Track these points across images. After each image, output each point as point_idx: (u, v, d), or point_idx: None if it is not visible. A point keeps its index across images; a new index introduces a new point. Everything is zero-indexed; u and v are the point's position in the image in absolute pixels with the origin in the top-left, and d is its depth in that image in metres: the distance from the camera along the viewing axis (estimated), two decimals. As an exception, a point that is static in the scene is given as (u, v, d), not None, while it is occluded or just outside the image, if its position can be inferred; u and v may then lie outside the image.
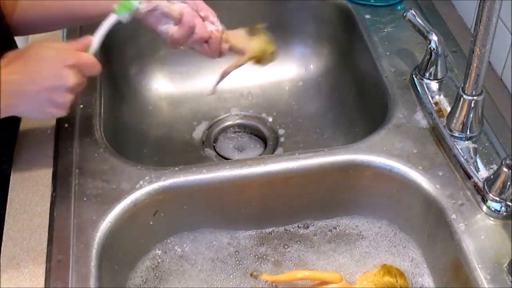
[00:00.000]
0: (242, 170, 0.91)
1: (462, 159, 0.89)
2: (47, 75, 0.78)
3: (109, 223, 0.84)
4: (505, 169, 0.80)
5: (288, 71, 1.30)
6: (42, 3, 0.91)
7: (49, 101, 0.79)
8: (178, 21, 0.90)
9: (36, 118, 0.94)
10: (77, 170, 0.90)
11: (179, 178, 0.89)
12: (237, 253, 0.94)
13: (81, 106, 1.01)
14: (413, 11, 1.03)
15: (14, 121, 0.93)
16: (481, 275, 0.78)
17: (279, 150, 1.16)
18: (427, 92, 1.00)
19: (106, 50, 1.05)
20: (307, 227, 0.97)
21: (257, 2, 1.27)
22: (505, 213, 0.83)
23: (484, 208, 0.84)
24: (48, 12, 0.92)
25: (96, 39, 0.84)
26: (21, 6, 0.91)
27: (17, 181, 0.89)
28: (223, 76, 0.98)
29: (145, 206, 0.88)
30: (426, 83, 1.01)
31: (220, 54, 0.97)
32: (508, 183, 0.81)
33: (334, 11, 1.25)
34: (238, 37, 0.97)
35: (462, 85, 0.88)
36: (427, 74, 1.01)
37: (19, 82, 0.77)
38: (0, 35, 0.88)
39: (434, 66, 1.01)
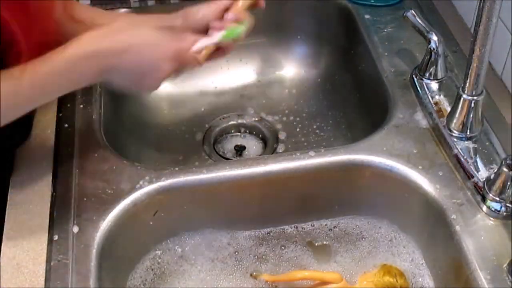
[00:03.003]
0: (242, 170, 0.91)
1: (462, 159, 0.89)
2: (144, 61, 0.81)
3: (109, 223, 0.84)
4: (505, 169, 0.80)
5: (288, 71, 1.30)
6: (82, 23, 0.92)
7: (138, 83, 0.83)
8: None
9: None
10: (77, 170, 0.90)
11: (179, 178, 0.89)
12: (236, 253, 0.94)
13: (81, 106, 1.01)
14: (413, 11, 1.03)
15: (23, 124, 0.93)
16: (481, 275, 0.78)
17: (279, 150, 1.16)
18: (427, 92, 1.00)
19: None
20: (307, 227, 0.97)
21: (257, 2, 1.27)
22: (505, 213, 0.83)
23: (484, 208, 0.84)
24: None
25: (201, 44, 0.85)
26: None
27: (17, 181, 0.89)
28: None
29: (145, 206, 0.88)
30: (426, 83, 1.01)
31: None
32: (508, 183, 0.81)
33: (334, 11, 1.25)
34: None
35: (462, 85, 0.88)
36: (427, 74, 1.01)
37: (118, 62, 0.80)
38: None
39: (434, 66, 1.00)
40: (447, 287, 0.86)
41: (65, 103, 1.01)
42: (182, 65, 0.85)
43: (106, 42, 0.80)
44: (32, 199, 0.86)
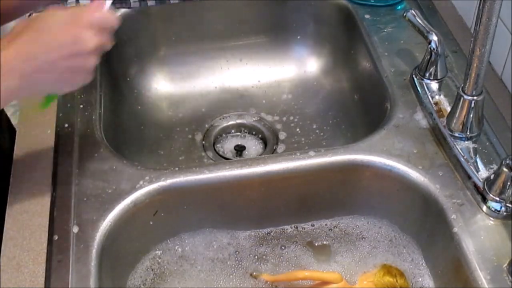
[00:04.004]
0: (242, 170, 0.91)
1: (462, 159, 0.89)
2: (64, 41, 0.71)
3: (109, 223, 0.84)
4: (505, 169, 0.80)
5: (288, 71, 1.30)
6: None
7: (72, 69, 0.73)
8: None
9: (61, 92, 0.83)
10: (77, 170, 0.90)
11: (179, 178, 0.89)
12: (237, 253, 0.94)
13: (81, 106, 1.01)
14: (413, 11, 1.03)
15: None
16: (481, 275, 0.78)
17: (279, 150, 1.16)
18: (427, 92, 1.00)
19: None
20: (307, 227, 0.97)
21: (257, 2, 1.27)
22: (505, 213, 0.83)
23: (484, 208, 0.84)
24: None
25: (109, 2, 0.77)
26: None
27: (17, 181, 0.89)
28: None
29: (145, 206, 0.88)
30: (426, 83, 1.01)
31: None
32: (508, 183, 0.81)
33: (334, 11, 1.25)
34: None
35: (462, 85, 0.88)
36: (427, 74, 1.01)
37: (34, 55, 0.71)
38: None
39: (434, 66, 1.00)
40: (447, 287, 0.86)
41: (65, 103, 1.01)
42: (102, 30, 0.74)
43: (11, 50, 0.70)
44: (32, 199, 0.86)
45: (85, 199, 0.86)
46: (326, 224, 0.97)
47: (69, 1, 1.22)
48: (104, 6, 0.76)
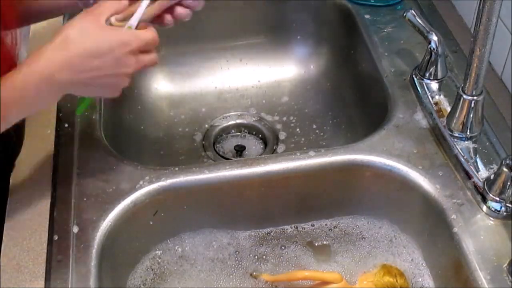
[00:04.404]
0: (242, 170, 0.91)
1: (462, 159, 0.89)
2: (110, 62, 0.75)
3: (109, 223, 0.84)
4: (505, 169, 0.80)
5: (288, 71, 1.30)
6: None
7: (107, 86, 0.78)
8: None
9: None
10: (77, 170, 0.90)
11: (179, 178, 0.89)
12: (237, 253, 0.94)
13: (81, 106, 1.01)
14: (413, 11, 1.03)
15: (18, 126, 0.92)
16: (481, 275, 0.78)
17: (279, 150, 1.16)
18: (427, 92, 1.00)
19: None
20: (307, 227, 0.97)
21: (257, 2, 1.27)
22: (505, 213, 0.83)
23: (484, 208, 0.84)
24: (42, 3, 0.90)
25: (135, 18, 0.79)
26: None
27: (17, 181, 0.89)
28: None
29: (145, 206, 0.88)
30: (426, 83, 1.01)
31: None
32: (508, 183, 0.81)
33: (334, 11, 1.25)
34: None
35: (462, 85, 0.88)
36: (427, 74, 1.01)
37: (79, 68, 0.74)
38: None
39: (434, 66, 1.00)
40: (447, 287, 0.86)
41: (65, 103, 1.01)
42: (147, 51, 0.78)
43: (58, 60, 0.74)
44: (32, 199, 0.86)
45: (85, 199, 0.86)
46: (326, 224, 0.97)
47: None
48: (151, 28, 0.79)
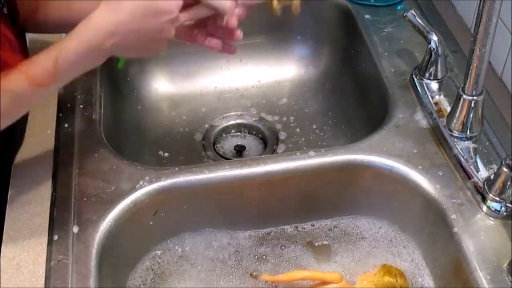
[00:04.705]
0: (242, 170, 0.91)
1: (462, 159, 0.89)
2: (154, 28, 0.79)
3: (109, 223, 0.84)
4: (505, 169, 0.80)
5: (288, 71, 1.30)
6: (61, 4, 0.93)
7: (148, 49, 0.83)
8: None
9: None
10: (77, 170, 0.90)
11: (179, 178, 0.89)
12: (237, 253, 0.94)
13: (81, 106, 1.01)
14: (413, 11, 1.03)
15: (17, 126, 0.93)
16: (481, 275, 0.77)
17: (279, 150, 1.16)
18: (427, 92, 1.00)
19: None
20: (307, 227, 0.97)
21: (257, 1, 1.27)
22: (505, 213, 0.83)
23: (484, 208, 0.84)
24: (67, 14, 0.93)
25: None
26: (43, 5, 0.93)
27: (17, 181, 0.89)
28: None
29: (145, 206, 0.88)
30: (426, 83, 1.01)
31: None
32: (508, 183, 0.81)
33: (334, 11, 1.25)
34: None
35: (462, 85, 0.88)
36: (427, 74, 1.01)
37: (125, 34, 0.77)
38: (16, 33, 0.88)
39: (434, 66, 1.00)
40: (447, 287, 0.86)
41: (65, 103, 1.01)
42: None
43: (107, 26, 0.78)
44: (32, 199, 0.86)
45: (85, 199, 0.86)
46: (326, 224, 0.97)
47: None
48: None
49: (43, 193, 0.87)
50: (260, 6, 1.28)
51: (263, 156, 1.11)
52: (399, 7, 1.20)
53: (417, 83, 1.02)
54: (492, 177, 0.84)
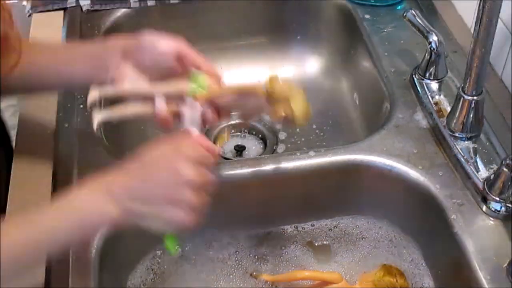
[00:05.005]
0: (242, 170, 0.91)
1: (462, 159, 0.89)
2: (161, 173, 0.70)
3: (109, 223, 0.84)
4: (505, 169, 0.80)
5: (288, 71, 1.30)
6: (39, 65, 0.86)
7: (171, 202, 0.69)
8: None
9: (168, 229, 0.74)
10: (77, 170, 0.90)
11: (179, 178, 0.89)
12: (237, 253, 0.94)
13: (81, 106, 1.01)
14: (413, 11, 1.03)
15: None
16: (481, 275, 0.77)
17: (279, 150, 1.16)
18: (427, 92, 1.00)
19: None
20: (307, 227, 0.97)
21: (257, 2, 1.27)
22: (505, 213, 0.83)
23: (484, 208, 0.84)
24: (43, 74, 0.86)
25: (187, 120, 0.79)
26: (20, 66, 0.85)
27: (17, 181, 0.89)
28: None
29: (145, 206, 0.88)
30: (426, 83, 1.01)
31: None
32: (508, 183, 0.81)
33: (334, 11, 1.25)
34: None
35: (462, 85, 0.88)
36: (427, 74, 1.01)
37: (133, 186, 0.69)
38: None
39: (434, 66, 1.00)
40: (447, 287, 0.86)
41: (65, 103, 1.01)
42: (201, 164, 0.71)
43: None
44: (32, 198, 0.86)
45: (85, 199, 0.86)
46: (326, 224, 0.97)
47: (69, 1, 1.21)
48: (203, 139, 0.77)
49: (43, 192, 0.87)
50: (260, 6, 1.29)
51: (263, 156, 1.11)
52: (399, 7, 1.20)
53: (417, 83, 1.02)
54: (492, 177, 0.84)
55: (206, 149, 0.74)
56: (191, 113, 0.79)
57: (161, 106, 0.78)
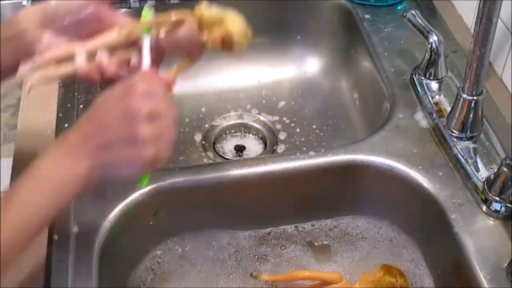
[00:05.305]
0: (242, 170, 0.91)
1: (462, 159, 0.89)
2: (115, 114, 0.67)
3: (109, 223, 0.84)
4: (505, 169, 0.80)
5: (288, 71, 1.30)
6: None
7: (130, 143, 0.67)
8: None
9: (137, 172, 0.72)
10: (77, 170, 0.90)
11: (179, 178, 0.89)
12: (237, 253, 0.94)
13: (81, 106, 1.01)
14: (413, 11, 1.03)
15: None
16: (481, 275, 0.77)
17: (279, 150, 1.16)
18: (427, 92, 1.00)
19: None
20: (307, 227, 0.97)
21: (257, 2, 1.27)
22: (505, 213, 0.83)
23: (484, 208, 0.84)
24: None
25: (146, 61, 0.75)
26: None
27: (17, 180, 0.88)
28: None
29: (145, 206, 0.88)
30: (426, 83, 1.01)
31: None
32: (508, 183, 0.81)
33: (334, 11, 1.25)
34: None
35: (462, 85, 0.88)
36: (427, 74, 1.01)
37: (92, 135, 0.68)
38: None
39: (434, 66, 1.01)
40: (447, 287, 0.86)
41: (65, 103, 1.01)
42: (156, 97, 0.68)
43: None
44: (32, 199, 0.86)
45: (85, 199, 0.86)
46: (326, 224, 0.97)
47: None
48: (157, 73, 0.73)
49: (43, 193, 0.87)
50: (260, 6, 1.29)
51: (263, 156, 1.11)
52: (399, 7, 1.20)
53: (417, 83, 1.02)
54: (492, 177, 0.84)
55: (159, 80, 0.71)
56: (145, 51, 0.75)
57: (81, 62, 0.74)
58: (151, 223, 0.91)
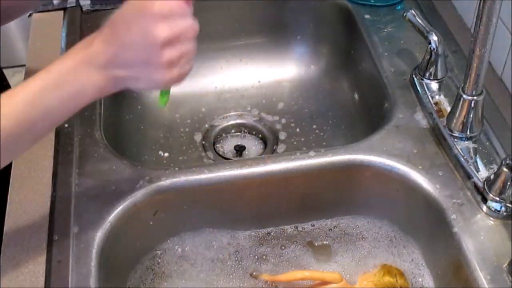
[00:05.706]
0: (242, 170, 0.91)
1: (462, 159, 0.89)
2: (134, 36, 0.67)
3: (109, 223, 0.84)
4: (505, 169, 0.80)
5: (288, 71, 1.30)
6: None
7: (148, 65, 0.69)
8: None
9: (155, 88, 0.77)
10: (77, 170, 0.90)
11: (179, 178, 0.89)
12: (237, 253, 0.94)
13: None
14: (413, 11, 1.03)
15: None
16: (481, 275, 0.78)
17: (279, 150, 1.16)
18: (427, 92, 1.00)
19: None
20: (307, 227, 0.97)
21: (257, 2, 1.27)
22: (505, 213, 0.83)
23: (484, 208, 0.84)
24: None
25: None
26: None
27: (17, 181, 0.89)
28: None
29: (145, 206, 0.88)
30: (426, 83, 1.01)
31: None
32: (508, 183, 0.81)
33: (334, 11, 1.25)
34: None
35: (462, 85, 0.88)
36: (427, 74, 1.01)
37: (113, 54, 0.68)
38: None
39: (434, 66, 1.01)
40: (447, 287, 0.86)
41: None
42: (175, 18, 0.67)
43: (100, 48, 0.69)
44: (32, 199, 0.86)
45: (85, 199, 0.86)
46: (326, 224, 0.97)
47: (69, 1, 1.22)
48: None
49: (43, 193, 0.87)
50: (260, 6, 1.29)
51: (263, 156, 1.11)
52: (399, 7, 1.20)
53: (417, 83, 1.02)
54: (492, 177, 0.84)
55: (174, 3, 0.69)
56: None
57: None
58: (151, 223, 0.91)
